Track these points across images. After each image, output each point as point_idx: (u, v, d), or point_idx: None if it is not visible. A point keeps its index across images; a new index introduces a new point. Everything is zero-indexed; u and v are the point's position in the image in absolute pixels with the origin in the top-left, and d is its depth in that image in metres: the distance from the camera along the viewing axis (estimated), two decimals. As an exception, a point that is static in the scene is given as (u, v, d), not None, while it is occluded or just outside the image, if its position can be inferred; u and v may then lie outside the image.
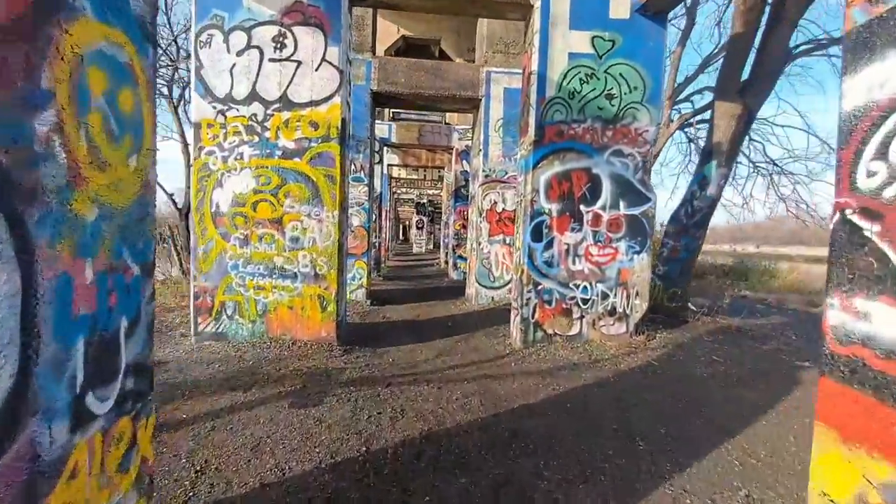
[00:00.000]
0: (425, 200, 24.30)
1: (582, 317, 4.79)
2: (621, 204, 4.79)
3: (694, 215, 5.93)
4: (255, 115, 4.32)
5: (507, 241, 7.67)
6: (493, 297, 7.68)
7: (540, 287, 4.68)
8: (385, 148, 13.72)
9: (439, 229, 21.63)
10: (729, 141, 5.68)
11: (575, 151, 4.69)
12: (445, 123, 13.76)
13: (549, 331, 4.74)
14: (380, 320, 6.21)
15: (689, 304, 5.94)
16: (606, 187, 4.75)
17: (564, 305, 4.75)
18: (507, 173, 7.64)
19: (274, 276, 4.37)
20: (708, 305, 5.98)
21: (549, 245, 4.69)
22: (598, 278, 4.79)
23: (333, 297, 4.43)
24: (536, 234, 4.66)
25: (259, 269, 4.36)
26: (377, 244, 12.20)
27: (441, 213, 18.74)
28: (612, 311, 4.85)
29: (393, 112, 15.37)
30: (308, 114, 4.35)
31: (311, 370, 3.81)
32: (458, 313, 6.93)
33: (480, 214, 7.61)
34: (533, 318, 4.69)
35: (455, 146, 12.08)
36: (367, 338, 5.10)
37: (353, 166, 7.43)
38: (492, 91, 7.58)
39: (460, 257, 11.94)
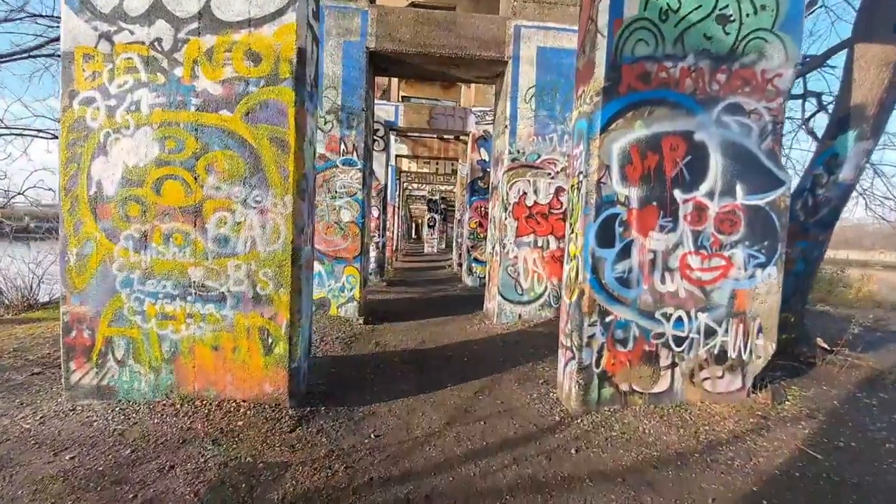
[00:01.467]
0: (437, 197, 22.63)
1: (674, 364, 3.07)
2: (738, 189, 3.05)
3: (817, 210, 4.14)
4: (158, 40, 2.70)
5: (540, 244, 5.95)
6: (520, 315, 5.98)
7: (610, 318, 2.97)
8: (392, 136, 12.12)
9: (452, 228, 19.98)
10: (878, 101, 3.88)
11: (667, 105, 2.97)
12: (460, 106, 12.10)
13: (624, 386, 3.03)
14: (371, 350, 4.56)
15: (819, 339, 4.16)
16: (716, 163, 3.02)
17: (647, 347, 3.03)
18: (539, 156, 5.92)
19: (189, 299, 2.76)
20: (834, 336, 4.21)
21: (625, 252, 2.98)
22: (701, 305, 3.06)
23: (284, 330, 2.80)
24: (605, 235, 2.95)
25: (165, 286, 2.74)
26: (381, 244, 10.59)
27: (454, 210, 17.07)
28: (720, 357, 3.11)
29: (402, 96, 13.79)
30: (244, 39, 2.72)
31: (225, 470, 2.17)
32: (476, 338, 5.25)
33: (506, 209, 5.91)
34: (598, 366, 2.98)
35: (472, 131, 10.39)
36: (344, 385, 3.46)
37: (342, 146, 5.81)
38: (522, 51, 5.88)
39: (476, 260, 10.27)
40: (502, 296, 5.96)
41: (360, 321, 5.71)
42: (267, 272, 2.77)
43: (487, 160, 10.01)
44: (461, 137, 12.46)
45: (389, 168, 12.15)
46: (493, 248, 6.41)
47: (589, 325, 2.94)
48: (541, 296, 6.00)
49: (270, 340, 2.80)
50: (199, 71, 2.71)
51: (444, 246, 25.14)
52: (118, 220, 2.70)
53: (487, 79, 6.79)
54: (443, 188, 21.96)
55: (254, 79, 2.73)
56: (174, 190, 2.72)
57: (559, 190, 5.94)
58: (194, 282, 2.75)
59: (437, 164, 16.50)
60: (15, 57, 5.53)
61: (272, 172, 2.75)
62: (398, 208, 16.92)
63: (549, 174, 5.93)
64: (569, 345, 3.12)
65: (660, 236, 2.99)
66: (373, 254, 10.12)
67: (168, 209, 2.72)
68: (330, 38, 5.74)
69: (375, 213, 10.29)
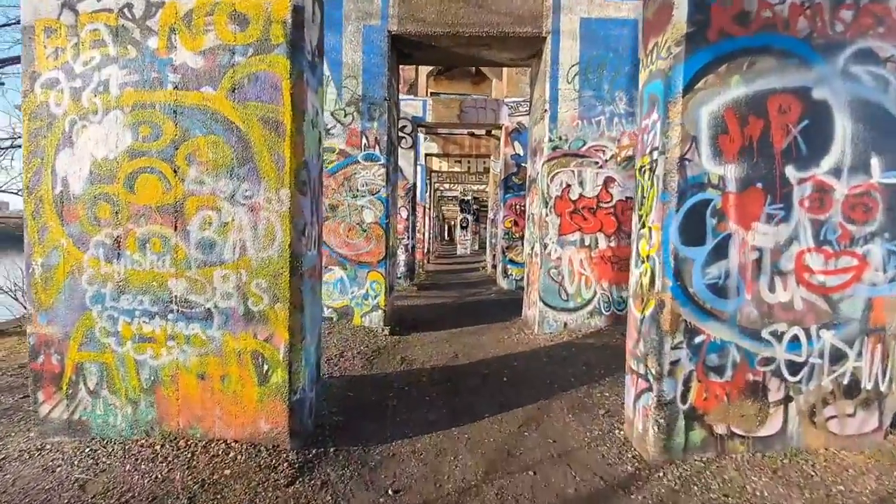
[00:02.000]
0: (469, 197, 22.03)
1: (788, 399, 2.31)
2: (875, 163, 2.27)
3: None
4: (129, 6, 2.25)
5: (587, 243, 5.22)
6: (565, 324, 5.27)
7: (700, 339, 2.26)
8: (421, 134, 11.63)
9: (485, 228, 19.31)
10: None
11: (774, 54, 2.23)
12: (493, 98, 11.44)
13: (720, 428, 2.30)
14: (395, 368, 4.00)
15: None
16: (843, 128, 2.25)
17: (752, 376, 2.29)
18: (585, 143, 5.20)
19: (171, 317, 2.28)
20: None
21: (720, 251, 2.26)
22: (825, 320, 2.29)
23: (282, 355, 2.27)
24: (691, 228, 2.24)
25: (143, 301, 2.28)
26: (410, 247, 10.09)
27: (487, 210, 16.42)
28: (850, 388, 2.33)
29: (430, 92, 13.29)
30: (227, 0, 2.23)
31: (195, 547, 1.65)
32: (516, 352, 4.59)
33: (546, 204, 5.22)
34: (684, 401, 2.27)
35: (504, 124, 9.71)
36: (362, 413, 2.91)
37: (364, 139, 5.31)
38: (563, 24, 5.17)
39: (511, 262, 9.57)
40: (544, 302, 5.27)
41: (386, 331, 5.17)
42: (260, 283, 2.25)
43: (522, 154, 9.32)
44: (493, 132, 11.82)
45: (419, 167, 11.65)
46: (532, 248, 5.72)
47: (672, 348, 2.24)
48: (589, 302, 5.27)
49: (266, 367, 2.27)
50: (176, 41, 2.23)
51: (477, 247, 24.53)
52: (87, 224, 2.26)
53: (523, 60, 6.10)
54: (475, 188, 21.37)
55: (240, 47, 2.22)
56: (150, 186, 2.25)
57: (608, 180, 5.18)
58: (176, 296, 2.27)
59: (469, 162, 15.92)
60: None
61: (264, 161, 2.23)
62: (429, 209, 16.44)
63: (597, 163, 5.19)
64: (642, 372, 2.43)
65: (767, 229, 2.24)
66: (402, 256, 9.64)
67: (143, 209, 2.26)
68: (349, 23, 5.27)
69: (404, 213, 9.80)
